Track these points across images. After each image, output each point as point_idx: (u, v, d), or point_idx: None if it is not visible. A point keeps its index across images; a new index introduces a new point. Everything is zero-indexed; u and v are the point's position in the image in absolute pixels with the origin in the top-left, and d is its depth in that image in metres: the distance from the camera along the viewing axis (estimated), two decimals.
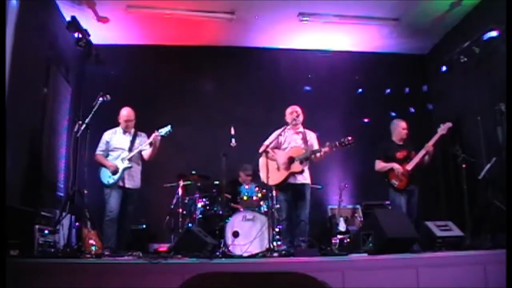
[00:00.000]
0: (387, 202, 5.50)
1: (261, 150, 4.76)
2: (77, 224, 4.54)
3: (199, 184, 5.77)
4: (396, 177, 5.13)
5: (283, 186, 4.83)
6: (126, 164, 4.92)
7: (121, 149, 5.03)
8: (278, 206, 5.02)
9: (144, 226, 5.87)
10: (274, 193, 5.11)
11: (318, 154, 4.68)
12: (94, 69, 5.36)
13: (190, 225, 5.35)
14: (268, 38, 6.91)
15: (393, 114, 6.54)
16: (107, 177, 4.89)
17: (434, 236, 4.24)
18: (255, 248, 4.63)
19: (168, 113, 6.33)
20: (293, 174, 4.78)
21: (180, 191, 5.63)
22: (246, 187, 5.53)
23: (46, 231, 3.83)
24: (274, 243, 4.39)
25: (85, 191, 4.28)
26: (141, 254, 3.74)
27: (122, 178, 4.90)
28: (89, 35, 4.79)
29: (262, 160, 4.77)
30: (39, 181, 5.10)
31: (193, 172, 5.73)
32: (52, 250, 3.76)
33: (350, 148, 4.62)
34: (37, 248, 3.63)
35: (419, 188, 5.23)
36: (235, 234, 4.90)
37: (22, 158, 4.73)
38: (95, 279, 2.98)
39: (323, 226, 6.24)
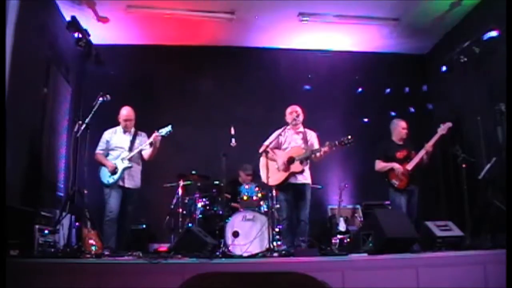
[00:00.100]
0: (387, 202, 5.50)
1: (261, 150, 4.76)
2: (77, 224, 4.54)
3: (199, 184, 5.77)
4: (396, 177, 5.13)
5: (284, 186, 4.83)
6: (126, 164, 4.92)
7: (121, 148, 5.03)
8: (278, 206, 5.03)
9: (144, 226, 5.87)
10: (274, 193, 5.12)
11: (318, 154, 4.68)
12: (94, 69, 5.35)
13: (190, 225, 5.35)
14: (268, 38, 6.91)
15: (393, 114, 6.53)
16: (107, 177, 4.89)
17: (434, 236, 4.24)
18: (255, 248, 4.63)
19: (168, 113, 6.32)
20: (293, 174, 4.78)
21: (180, 191, 5.63)
22: (246, 187, 5.52)
23: (46, 231, 3.83)
24: (274, 243, 4.39)
25: (85, 191, 4.29)
26: (141, 254, 3.74)
27: (122, 178, 4.90)
28: (89, 35, 4.78)
29: (262, 161, 4.76)
30: (39, 181, 5.10)
31: (193, 172, 5.73)
32: (52, 250, 3.76)
33: (350, 147, 4.62)
34: (37, 248, 3.63)
35: (419, 188, 5.23)
36: (235, 234, 4.89)
37: (22, 158, 4.73)
38: (95, 279, 2.98)
39: (323, 226, 6.23)
